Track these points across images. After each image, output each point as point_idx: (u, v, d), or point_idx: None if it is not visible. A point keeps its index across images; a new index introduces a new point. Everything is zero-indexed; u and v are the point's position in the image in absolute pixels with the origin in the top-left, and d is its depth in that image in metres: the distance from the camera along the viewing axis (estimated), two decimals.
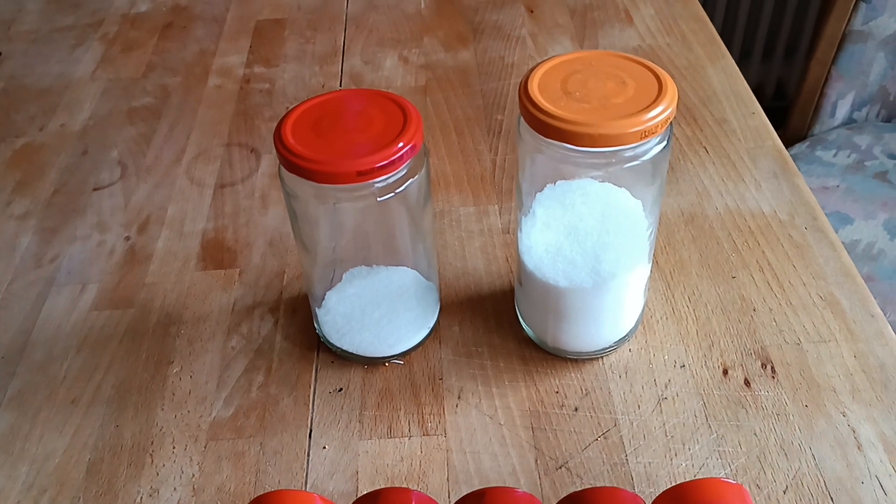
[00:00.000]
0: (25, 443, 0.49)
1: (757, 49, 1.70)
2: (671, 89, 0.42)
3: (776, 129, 0.70)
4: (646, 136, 0.41)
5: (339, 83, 0.78)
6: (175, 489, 0.46)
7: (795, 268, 0.57)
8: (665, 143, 0.43)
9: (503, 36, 0.83)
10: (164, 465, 0.48)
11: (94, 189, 0.68)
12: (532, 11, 0.87)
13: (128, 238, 0.63)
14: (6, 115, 0.77)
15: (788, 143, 1.17)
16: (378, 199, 0.45)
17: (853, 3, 1.09)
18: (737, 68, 0.76)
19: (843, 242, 0.59)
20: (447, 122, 0.73)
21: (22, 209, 0.66)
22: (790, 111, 1.23)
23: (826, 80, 1.17)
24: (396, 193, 0.45)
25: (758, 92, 1.75)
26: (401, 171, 0.44)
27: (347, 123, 0.45)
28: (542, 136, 0.42)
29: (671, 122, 0.43)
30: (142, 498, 0.46)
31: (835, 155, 1.12)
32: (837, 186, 1.06)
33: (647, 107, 0.41)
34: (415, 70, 0.79)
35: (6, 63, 0.84)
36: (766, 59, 1.73)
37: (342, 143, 0.44)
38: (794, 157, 1.11)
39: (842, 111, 1.19)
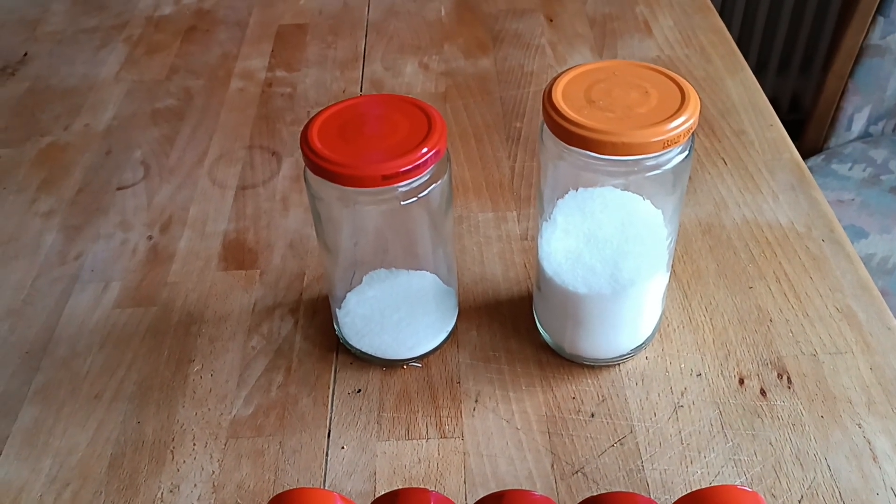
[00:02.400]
0: (49, 436, 0.50)
1: (773, 62, 1.70)
2: (694, 100, 0.43)
3: (791, 141, 0.71)
4: (668, 146, 0.41)
5: (359, 88, 0.79)
6: (195, 485, 0.47)
7: (812, 279, 0.57)
8: (687, 152, 0.44)
9: (523, 44, 0.84)
10: (184, 462, 0.48)
11: (118, 188, 0.69)
12: (552, 21, 0.87)
13: (150, 237, 0.64)
14: (32, 114, 0.78)
15: (804, 156, 1.17)
16: (401, 203, 0.45)
17: (871, 17, 1.10)
18: (755, 81, 0.77)
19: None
20: (466, 128, 0.73)
21: (47, 207, 0.67)
22: (806, 124, 1.23)
23: (843, 93, 1.17)
24: (419, 198, 0.46)
25: (773, 105, 1.75)
26: (424, 176, 0.45)
27: (372, 128, 0.46)
28: (565, 144, 0.43)
29: (693, 133, 0.43)
30: (162, 493, 0.47)
31: (850, 168, 1.12)
32: (853, 200, 1.07)
33: (670, 117, 0.42)
34: (435, 77, 0.80)
35: (32, 63, 0.86)
36: (781, 72, 1.73)
37: (367, 147, 0.44)
38: (810, 170, 1.11)
39: (858, 125, 1.19)
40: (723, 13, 1.63)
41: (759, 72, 1.72)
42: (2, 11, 0.95)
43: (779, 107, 1.76)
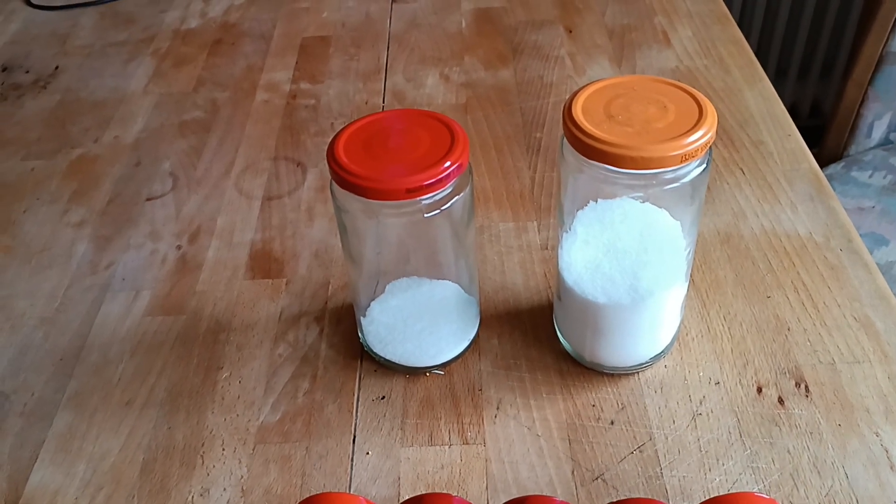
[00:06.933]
0: (83, 442, 0.52)
1: (793, 68, 1.70)
2: (711, 115, 0.44)
3: (811, 148, 0.71)
4: (686, 160, 0.42)
5: (381, 100, 0.81)
6: (225, 489, 0.48)
7: (830, 289, 0.58)
8: (704, 166, 0.45)
9: (542, 56, 0.85)
10: (214, 467, 0.50)
11: (147, 199, 0.70)
12: (571, 32, 0.89)
13: (179, 247, 0.65)
14: (63, 126, 0.80)
15: (824, 163, 1.18)
16: (425, 215, 0.47)
17: (891, 24, 1.10)
18: (774, 91, 0.77)
19: (878, 264, 0.60)
20: (487, 139, 0.74)
21: (78, 218, 0.69)
22: (826, 131, 1.23)
23: (863, 100, 1.17)
24: (442, 210, 0.47)
25: (793, 111, 1.75)
26: (447, 189, 0.46)
27: (397, 142, 0.47)
28: (584, 158, 0.44)
29: (711, 146, 0.44)
30: (193, 497, 0.48)
31: (871, 176, 1.12)
32: (873, 207, 1.07)
33: (688, 131, 0.42)
34: (455, 88, 0.81)
35: (62, 76, 0.88)
36: (801, 78, 1.73)
37: (392, 160, 0.46)
38: (830, 178, 1.11)
39: (878, 132, 1.19)
40: (742, 19, 1.64)
41: (779, 78, 1.72)
42: (33, 26, 0.97)
43: (799, 113, 1.76)
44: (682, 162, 0.42)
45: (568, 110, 0.45)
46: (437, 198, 0.46)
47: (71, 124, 0.81)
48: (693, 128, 0.43)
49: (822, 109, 1.75)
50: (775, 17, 1.63)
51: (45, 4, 1.01)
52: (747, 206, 0.65)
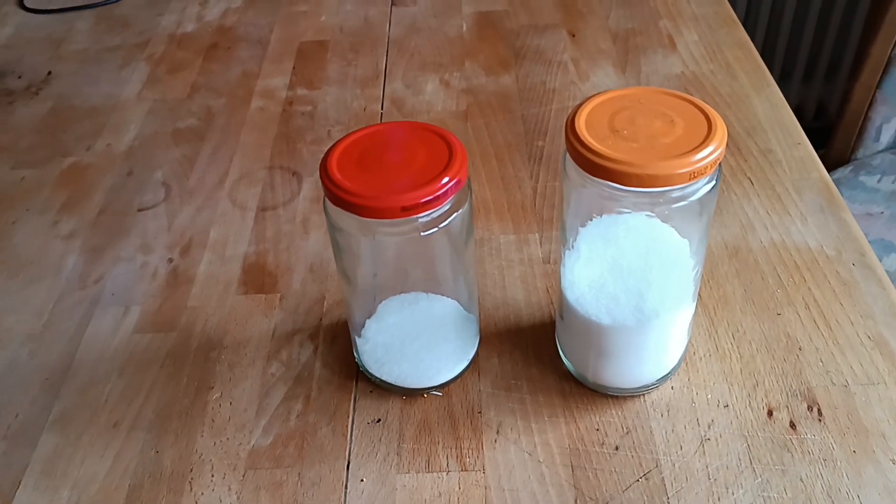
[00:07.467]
0: (68, 466, 0.50)
1: (798, 69, 1.68)
2: (721, 129, 0.42)
3: (816, 149, 0.69)
4: (694, 178, 0.40)
5: (380, 106, 0.79)
6: None
7: (843, 306, 0.56)
8: (714, 182, 0.43)
9: (545, 61, 0.83)
10: (202, 494, 0.48)
11: (139, 210, 0.69)
12: (574, 36, 0.87)
13: (171, 260, 0.63)
14: (54, 134, 0.78)
15: (831, 167, 1.16)
16: (421, 233, 0.45)
17: None
18: (782, 97, 0.75)
19: (886, 271, 0.58)
20: (488, 148, 0.72)
21: (68, 229, 0.67)
22: (833, 134, 1.21)
23: (870, 103, 1.15)
24: (440, 228, 0.45)
25: (798, 112, 1.73)
26: (445, 206, 0.44)
27: (392, 157, 0.45)
28: (587, 174, 0.42)
29: (720, 162, 0.42)
30: None
31: (879, 181, 1.10)
32: (882, 213, 1.04)
33: (696, 147, 0.41)
34: (456, 94, 0.79)
35: (55, 82, 0.86)
36: (806, 79, 1.71)
37: (387, 177, 0.44)
38: (837, 182, 1.09)
39: (886, 135, 1.17)
40: (747, 20, 1.61)
41: (784, 79, 1.69)
42: (27, 30, 0.96)
43: (804, 114, 1.73)
44: (690, 180, 0.40)
45: (571, 124, 0.43)
46: (435, 215, 0.44)
47: (63, 132, 0.79)
48: (702, 143, 0.41)
49: (828, 111, 1.73)
50: (780, 17, 1.61)
51: (40, 8, 0.99)
52: (756, 218, 0.63)
